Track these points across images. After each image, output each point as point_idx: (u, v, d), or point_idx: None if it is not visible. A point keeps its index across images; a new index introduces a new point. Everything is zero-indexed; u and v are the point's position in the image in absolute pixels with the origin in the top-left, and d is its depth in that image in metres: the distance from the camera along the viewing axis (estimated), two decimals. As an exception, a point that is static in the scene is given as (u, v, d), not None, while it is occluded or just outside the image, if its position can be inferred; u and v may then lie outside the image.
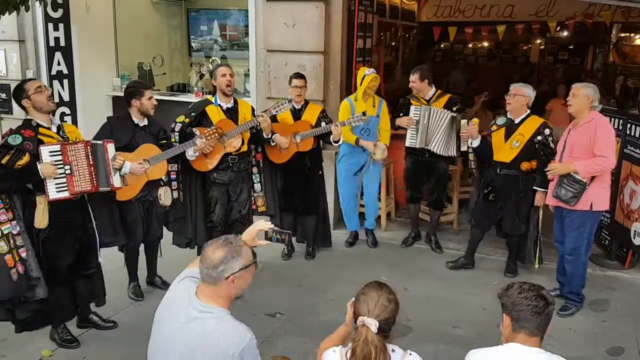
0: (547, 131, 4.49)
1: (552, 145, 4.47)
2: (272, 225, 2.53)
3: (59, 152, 3.42)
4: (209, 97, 4.92)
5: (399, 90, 7.45)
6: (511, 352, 2.04)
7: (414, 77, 5.12)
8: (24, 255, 3.36)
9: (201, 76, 7.38)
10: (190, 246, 4.67)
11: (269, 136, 4.63)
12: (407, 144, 5.20)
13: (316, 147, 5.02)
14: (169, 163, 4.25)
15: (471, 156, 4.88)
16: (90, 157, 3.53)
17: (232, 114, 4.52)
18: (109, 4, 6.87)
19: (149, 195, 4.18)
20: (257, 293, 4.11)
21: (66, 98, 6.34)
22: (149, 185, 4.12)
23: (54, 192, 3.39)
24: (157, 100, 4.23)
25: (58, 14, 6.12)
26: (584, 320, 4.21)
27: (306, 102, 5.00)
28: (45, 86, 3.62)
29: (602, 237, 5.37)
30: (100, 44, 6.78)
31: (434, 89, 5.20)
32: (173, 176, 4.40)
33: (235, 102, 4.60)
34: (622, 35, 10.96)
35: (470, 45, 13.00)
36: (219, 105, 4.50)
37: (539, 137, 4.47)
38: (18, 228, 3.36)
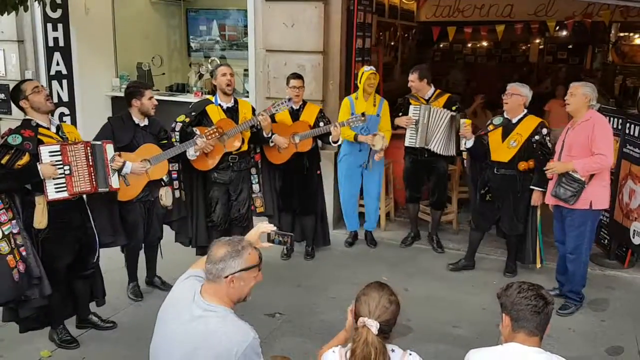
0: (544, 131, 4.50)
1: (549, 144, 4.48)
2: (275, 228, 2.53)
3: (59, 153, 3.42)
4: (209, 96, 4.92)
5: (398, 89, 7.45)
6: (511, 352, 2.04)
7: (413, 77, 5.12)
8: (24, 254, 3.36)
9: (200, 76, 7.38)
10: (192, 245, 4.67)
11: (269, 135, 4.63)
12: (407, 143, 5.20)
13: (314, 147, 5.03)
14: (170, 163, 4.25)
15: (464, 155, 4.89)
16: (89, 157, 3.53)
17: (232, 113, 4.53)
18: (108, 4, 6.86)
19: (150, 196, 4.18)
20: (256, 293, 4.06)
21: (65, 98, 6.33)
22: (150, 185, 4.13)
23: (53, 192, 3.38)
24: (156, 100, 4.23)
25: (57, 14, 6.11)
26: (583, 320, 4.21)
27: (304, 103, 5.00)
28: (42, 86, 3.61)
29: (601, 236, 5.37)
30: (99, 44, 6.77)
31: (433, 89, 5.19)
32: (174, 175, 4.40)
33: (236, 101, 4.61)
34: (621, 34, 10.96)
35: (469, 45, 13.01)
36: (219, 104, 4.51)
37: (537, 137, 4.47)
38: (18, 227, 3.36)
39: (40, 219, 3.42)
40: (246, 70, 6.43)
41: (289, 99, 4.65)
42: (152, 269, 4.56)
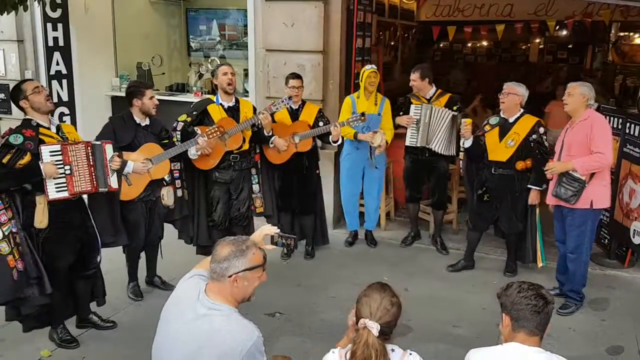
0: (541, 130, 4.51)
1: (546, 143, 4.49)
2: (278, 230, 2.55)
3: (59, 152, 3.42)
4: (210, 96, 4.93)
5: (398, 89, 7.46)
6: (511, 352, 2.04)
7: (414, 76, 5.11)
8: (21, 250, 3.36)
9: (200, 76, 7.38)
10: (193, 243, 4.68)
11: (270, 133, 4.63)
12: (407, 142, 5.19)
13: (313, 147, 5.03)
14: (172, 162, 4.26)
15: (462, 155, 4.89)
16: (90, 157, 3.53)
17: (233, 112, 4.54)
18: (108, 3, 6.86)
19: (152, 195, 4.19)
20: (257, 292, 4.08)
21: (65, 98, 6.33)
22: (152, 185, 4.13)
23: (53, 192, 3.39)
24: (157, 100, 4.23)
25: (57, 13, 6.11)
26: (583, 319, 4.21)
27: (303, 102, 5.00)
28: (42, 86, 3.61)
29: (601, 236, 5.37)
30: (99, 44, 6.76)
31: (434, 88, 5.19)
32: (176, 175, 4.40)
33: (237, 101, 4.63)
34: (621, 34, 10.96)
35: (469, 45, 13.00)
36: (221, 104, 4.52)
37: (534, 136, 4.48)
38: (16, 227, 3.36)
39: (41, 219, 3.42)
40: (246, 69, 6.43)
41: (289, 98, 4.65)
42: (153, 268, 4.56)
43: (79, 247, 3.66)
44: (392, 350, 2.04)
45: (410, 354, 2.07)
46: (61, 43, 6.22)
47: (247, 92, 6.30)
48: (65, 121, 6.19)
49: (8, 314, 3.58)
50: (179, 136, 4.34)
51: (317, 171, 5.17)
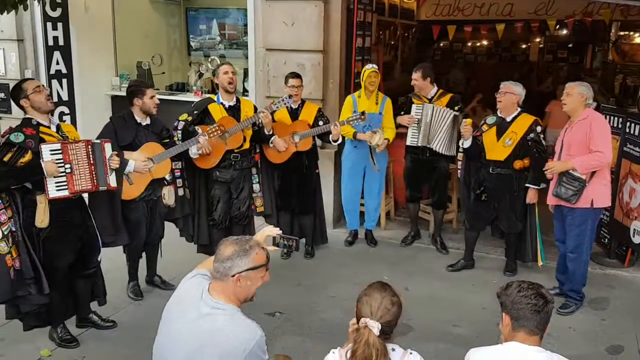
0: (538, 128, 4.52)
1: (544, 142, 4.51)
2: (280, 232, 2.55)
3: (60, 151, 3.42)
4: (211, 95, 4.93)
5: (398, 88, 7.45)
6: (511, 351, 2.04)
7: (416, 75, 5.10)
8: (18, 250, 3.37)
9: (200, 75, 7.38)
10: (194, 242, 4.69)
11: (270, 132, 4.63)
12: (408, 142, 5.18)
13: (313, 146, 5.03)
14: (173, 161, 4.26)
15: (460, 156, 4.89)
16: (90, 156, 3.53)
17: (234, 112, 4.55)
18: (108, 3, 6.85)
19: (153, 195, 4.19)
20: (256, 292, 4.11)
21: (65, 97, 6.32)
22: (153, 184, 4.14)
23: (53, 190, 3.39)
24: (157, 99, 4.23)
25: (57, 13, 6.11)
26: (583, 319, 4.21)
27: (303, 102, 5.00)
28: (43, 86, 3.62)
29: (601, 235, 5.37)
30: (99, 43, 6.76)
31: (435, 88, 5.18)
32: (177, 174, 4.40)
33: (238, 100, 4.63)
34: (622, 33, 10.96)
35: (469, 44, 13.00)
36: (222, 103, 4.53)
37: (532, 135, 4.49)
38: (15, 226, 3.36)
39: (42, 218, 3.42)
40: (246, 69, 6.43)
41: (289, 97, 4.65)
42: (153, 268, 4.56)
43: (79, 247, 3.66)
44: (393, 349, 2.04)
45: (411, 353, 2.07)
46: (61, 42, 6.22)
47: (247, 91, 6.29)
48: (65, 120, 6.18)
49: (8, 312, 3.59)
50: (179, 135, 4.34)
51: (317, 170, 5.18)
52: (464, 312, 4.23)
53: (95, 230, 3.75)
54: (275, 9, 5.62)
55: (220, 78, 4.50)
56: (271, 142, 4.71)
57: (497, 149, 4.57)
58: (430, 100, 5.12)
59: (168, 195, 4.25)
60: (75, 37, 6.34)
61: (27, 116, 3.50)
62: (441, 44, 12.85)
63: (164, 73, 7.63)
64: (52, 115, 3.69)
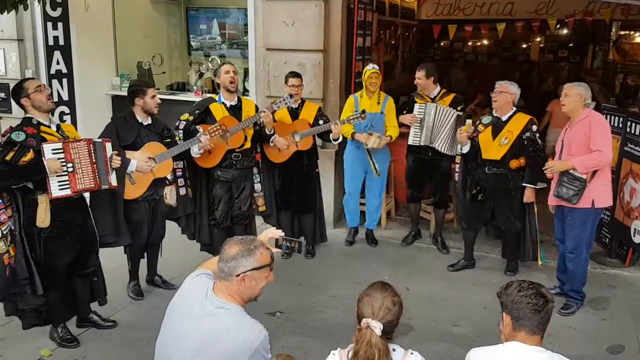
0: (534, 127, 4.53)
1: (539, 141, 4.52)
2: (283, 234, 2.55)
3: (61, 150, 3.43)
4: (213, 95, 4.94)
5: (398, 88, 7.46)
6: (511, 351, 2.03)
7: (419, 74, 5.10)
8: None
9: (200, 75, 7.38)
10: (197, 240, 4.70)
11: (272, 132, 4.63)
12: (410, 142, 5.16)
13: (313, 145, 5.03)
14: (174, 161, 4.26)
15: (458, 159, 4.89)
16: (92, 155, 3.54)
17: (235, 111, 4.55)
18: (108, 2, 6.85)
19: (155, 194, 4.19)
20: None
21: (65, 97, 6.32)
22: (155, 184, 4.14)
23: (56, 189, 3.39)
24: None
25: (57, 12, 6.10)
26: (584, 319, 4.20)
27: (302, 101, 5.00)
28: (44, 85, 3.62)
29: (602, 235, 5.37)
30: (99, 43, 6.76)
31: (438, 88, 5.18)
32: (179, 173, 4.41)
33: (239, 100, 4.64)
34: (622, 33, 10.96)
35: (470, 43, 12.99)
36: (223, 103, 4.53)
37: (528, 134, 4.49)
38: (16, 225, 3.37)
39: (43, 218, 3.42)
40: (246, 69, 6.43)
41: (290, 96, 4.65)
42: (153, 267, 4.56)
43: (79, 247, 3.66)
44: (394, 349, 2.04)
45: (412, 353, 2.07)
46: (61, 42, 6.22)
47: (247, 91, 6.29)
48: (65, 120, 6.19)
49: (7, 309, 3.60)
50: (181, 135, 4.34)
51: (317, 170, 5.18)
52: (465, 311, 4.23)
53: (95, 230, 3.75)
54: (275, 9, 5.62)
55: (222, 78, 4.51)
56: (272, 141, 4.71)
57: (493, 149, 4.57)
58: (433, 100, 5.11)
59: (170, 195, 4.26)
60: (76, 36, 6.34)
61: (28, 115, 3.50)
62: (442, 44, 12.85)
63: (164, 73, 7.63)
64: (52, 115, 3.69)
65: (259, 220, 5.10)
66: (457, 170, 4.99)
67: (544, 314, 2.03)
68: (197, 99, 5.79)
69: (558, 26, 9.78)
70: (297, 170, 4.96)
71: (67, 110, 6.33)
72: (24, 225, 3.41)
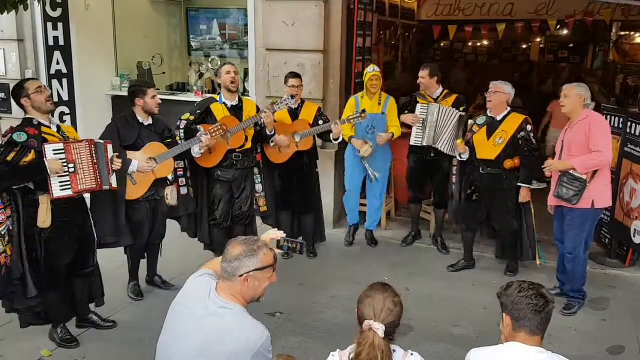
0: (529, 127, 4.54)
1: (534, 141, 4.53)
2: (284, 235, 2.55)
3: (63, 151, 3.43)
4: (214, 95, 4.94)
5: (398, 89, 7.45)
6: (512, 351, 2.03)
7: (423, 73, 5.09)
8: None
9: (201, 75, 7.38)
10: (198, 239, 4.70)
11: (272, 132, 4.63)
12: (412, 142, 5.15)
13: (313, 145, 5.03)
14: (175, 161, 4.26)
15: (455, 161, 4.89)
16: (94, 155, 3.54)
17: (236, 111, 4.55)
18: (108, 3, 6.85)
19: (157, 195, 4.19)
20: (257, 292, 4.11)
21: (65, 97, 6.32)
22: (156, 184, 4.14)
23: (58, 190, 3.39)
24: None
25: (57, 13, 6.11)
26: (584, 319, 4.20)
27: (302, 102, 5.00)
28: (45, 87, 3.62)
29: (602, 235, 5.37)
30: (99, 43, 6.76)
31: (441, 88, 5.17)
32: (180, 173, 4.41)
33: (240, 100, 4.64)
34: (622, 33, 10.96)
35: (470, 44, 12.99)
36: (224, 103, 4.54)
37: (522, 133, 4.50)
38: (14, 225, 3.36)
39: (45, 218, 3.42)
40: (246, 69, 6.43)
41: (292, 97, 4.65)
42: (153, 268, 4.56)
43: (78, 247, 3.66)
44: (394, 350, 2.03)
45: (412, 354, 2.06)
46: (61, 42, 6.22)
47: (247, 91, 6.29)
48: (65, 121, 6.19)
49: (6, 306, 3.61)
50: (182, 134, 4.34)
51: (316, 170, 5.18)
52: (465, 312, 4.23)
53: (93, 230, 3.75)
54: (275, 9, 5.62)
55: (223, 78, 4.52)
56: (272, 141, 4.71)
57: (488, 149, 4.57)
58: (435, 100, 5.11)
59: (171, 196, 4.26)
60: (76, 37, 6.34)
61: (28, 116, 3.50)
62: (442, 44, 12.85)
63: (164, 73, 7.63)
64: (52, 115, 3.69)
65: (258, 220, 5.09)
66: (454, 173, 4.98)
67: (544, 315, 2.03)
68: (197, 99, 5.80)
69: (558, 27, 9.78)
70: (298, 171, 4.97)
71: (67, 110, 6.33)
72: (25, 226, 3.41)
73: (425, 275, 4.90)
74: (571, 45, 12.33)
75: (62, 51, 6.24)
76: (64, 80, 6.30)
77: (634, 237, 4.80)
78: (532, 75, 11.76)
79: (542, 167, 4.24)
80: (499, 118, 4.59)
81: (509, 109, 4.60)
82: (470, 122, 4.88)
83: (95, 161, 3.53)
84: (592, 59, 12.06)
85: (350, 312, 2.20)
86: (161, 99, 4.24)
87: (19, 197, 3.40)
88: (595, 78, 10.17)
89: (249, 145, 4.60)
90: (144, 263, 4.48)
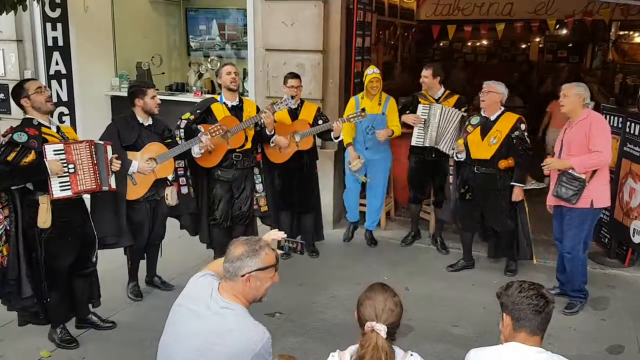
0: (522, 126, 4.54)
1: (528, 140, 4.53)
2: (285, 235, 2.55)
3: (63, 151, 3.43)
4: (214, 95, 4.94)
5: (398, 89, 7.45)
6: (511, 351, 2.03)
7: (426, 73, 5.07)
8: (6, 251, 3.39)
9: (200, 75, 7.38)
10: (200, 239, 4.70)
11: (272, 132, 4.63)
12: (414, 142, 5.14)
13: (313, 145, 5.03)
14: (176, 160, 4.26)
15: (452, 161, 4.90)
16: (94, 156, 3.54)
17: (237, 111, 4.56)
18: (107, 3, 6.85)
19: (157, 195, 4.19)
20: (257, 292, 4.11)
21: (64, 98, 6.32)
22: (156, 184, 4.14)
23: (57, 190, 3.39)
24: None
25: (56, 13, 6.10)
26: (584, 319, 4.20)
27: (302, 102, 5.00)
28: (45, 87, 3.62)
29: (601, 235, 5.37)
30: (98, 44, 6.76)
31: (443, 89, 5.16)
32: (180, 172, 4.41)
33: (241, 100, 4.65)
34: (621, 33, 10.97)
35: (469, 44, 13.00)
36: (224, 103, 4.54)
37: (516, 133, 4.51)
38: (12, 225, 3.36)
39: (45, 219, 3.42)
40: (246, 69, 6.43)
41: (292, 97, 4.65)
42: (153, 268, 4.55)
43: (80, 247, 3.66)
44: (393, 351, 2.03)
45: (412, 355, 2.05)
46: (60, 43, 6.22)
47: (247, 91, 6.29)
48: (65, 121, 6.20)
49: (7, 304, 3.61)
50: (182, 134, 4.35)
51: (316, 169, 5.18)
52: (464, 312, 4.23)
53: (93, 230, 3.75)
54: (274, 9, 5.61)
55: (223, 78, 4.53)
56: (272, 142, 4.71)
57: (482, 148, 4.57)
58: (437, 101, 5.10)
59: (171, 196, 4.26)
60: (75, 37, 6.34)
61: (28, 116, 3.50)
62: (441, 44, 12.86)
63: (163, 73, 7.63)
64: (52, 116, 3.69)
65: (257, 220, 5.09)
66: (451, 173, 4.98)
67: (544, 315, 2.03)
68: (197, 99, 5.80)
69: (557, 26, 9.78)
70: (298, 170, 4.97)
71: (66, 110, 6.33)
72: (25, 226, 3.42)
73: (424, 275, 4.90)
74: (570, 45, 12.35)
75: (61, 51, 6.24)
76: (63, 81, 6.30)
77: (633, 236, 4.80)
78: (532, 74, 11.77)
79: (541, 165, 4.24)
80: (492, 118, 4.59)
81: (502, 108, 4.60)
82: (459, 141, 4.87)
83: (95, 162, 3.53)
84: (591, 58, 12.07)
85: (350, 312, 2.20)
86: (160, 99, 4.24)
87: (17, 197, 3.40)
88: (595, 77, 10.17)
89: (249, 145, 4.60)
90: (143, 263, 4.48)
